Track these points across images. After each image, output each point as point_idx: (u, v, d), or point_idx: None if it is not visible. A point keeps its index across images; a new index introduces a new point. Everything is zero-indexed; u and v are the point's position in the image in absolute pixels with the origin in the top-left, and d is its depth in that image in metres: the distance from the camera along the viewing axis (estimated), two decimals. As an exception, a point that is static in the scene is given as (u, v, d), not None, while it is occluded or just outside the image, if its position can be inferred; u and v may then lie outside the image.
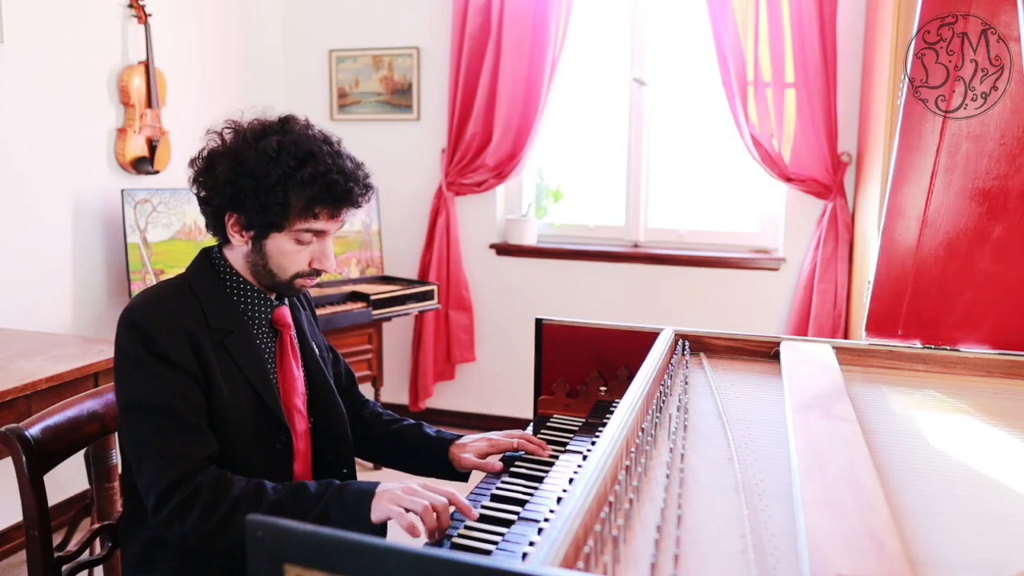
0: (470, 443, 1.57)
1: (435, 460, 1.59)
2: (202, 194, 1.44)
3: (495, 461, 1.53)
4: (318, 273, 1.47)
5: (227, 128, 1.44)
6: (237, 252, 1.46)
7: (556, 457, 1.55)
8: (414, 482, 1.32)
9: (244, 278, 1.47)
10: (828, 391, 1.36)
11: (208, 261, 1.49)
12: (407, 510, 1.27)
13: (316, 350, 1.59)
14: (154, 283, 1.68)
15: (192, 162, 1.46)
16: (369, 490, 1.30)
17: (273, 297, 1.51)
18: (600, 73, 3.96)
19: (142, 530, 1.44)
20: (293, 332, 1.54)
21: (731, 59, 3.49)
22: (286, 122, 1.45)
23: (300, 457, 1.51)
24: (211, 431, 1.37)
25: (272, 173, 1.36)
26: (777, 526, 0.98)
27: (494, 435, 1.58)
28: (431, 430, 1.64)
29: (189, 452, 1.32)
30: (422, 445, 1.62)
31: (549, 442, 1.63)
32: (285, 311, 1.52)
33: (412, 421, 1.68)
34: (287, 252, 1.43)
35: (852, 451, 1.10)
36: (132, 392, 1.36)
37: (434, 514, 1.26)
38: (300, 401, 1.52)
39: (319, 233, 1.44)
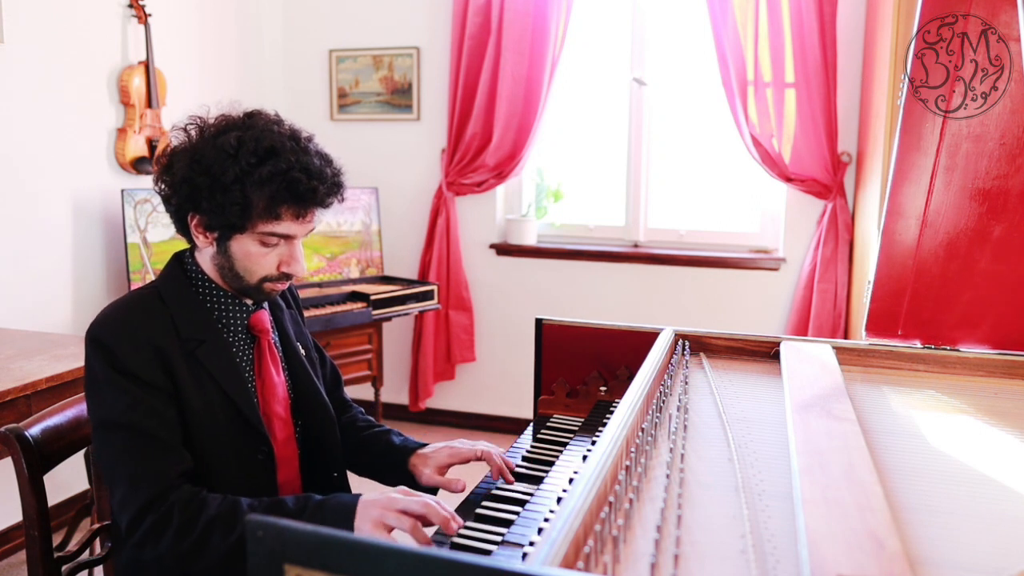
0: (432, 453, 1.50)
1: (396, 471, 1.53)
2: (164, 192, 1.39)
3: (457, 480, 1.45)
4: (288, 277, 1.41)
5: (191, 124, 1.38)
6: (206, 255, 1.41)
7: (556, 457, 1.55)
8: (394, 493, 1.28)
9: (216, 283, 1.42)
10: (828, 391, 1.36)
11: (180, 267, 1.43)
12: (393, 528, 1.24)
13: (302, 351, 1.54)
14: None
15: (156, 160, 1.41)
16: (351, 504, 1.26)
17: (249, 302, 1.45)
18: (600, 73, 3.96)
19: (125, 546, 1.39)
20: (273, 337, 1.48)
21: (731, 59, 3.49)
22: (251, 117, 1.38)
23: (286, 464, 1.46)
24: (186, 446, 1.32)
25: (229, 170, 1.30)
26: (777, 526, 0.98)
27: (460, 443, 1.51)
28: (397, 438, 1.57)
29: (161, 470, 1.27)
30: (385, 454, 1.55)
31: (549, 442, 1.63)
32: (263, 316, 1.46)
33: (383, 428, 1.62)
34: (252, 254, 1.37)
35: (852, 451, 1.10)
36: (101, 410, 1.31)
37: (421, 526, 1.23)
38: (281, 408, 1.46)
39: (285, 237, 1.37)
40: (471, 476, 1.54)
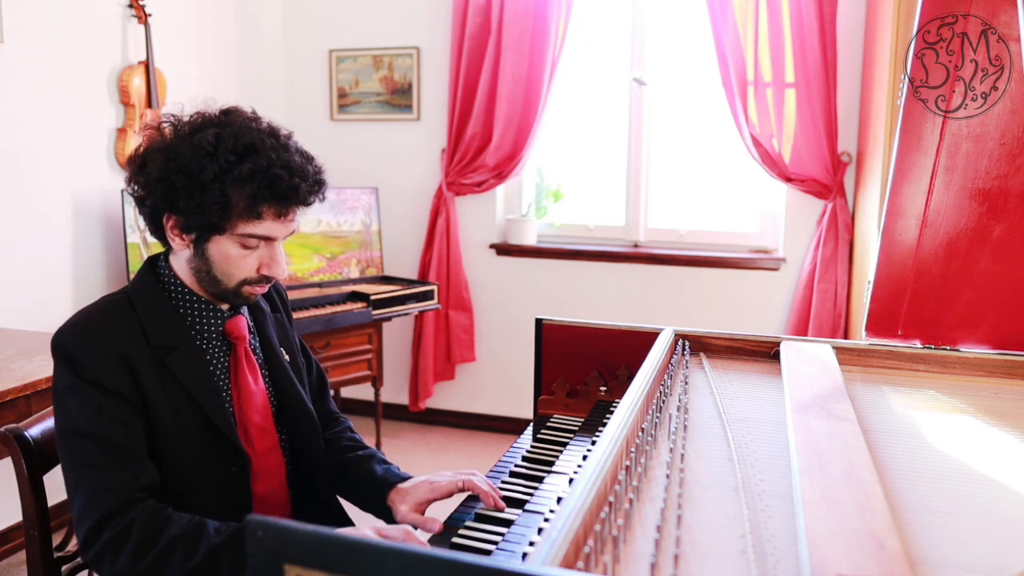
0: (411, 489, 1.41)
1: (375, 503, 1.46)
2: (137, 193, 1.33)
3: (434, 520, 1.35)
4: (268, 280, 1.36)
5: (165, 122, 1.34)
6: (181, 258, 1.36)
7: (556, 457, 1.55)
8: (365, 526, 1.26)
9: (190, 289, 1.37)
10: (828, 391, 1.36)
11: (153, 272, 1.38)
12: None
13: (285, 357, 1.49)
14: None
15: (130, 161, 1.36)
16: None
17: (225, 308, 1.40)
18: (600, 73, 3.96)
19: (83, 561, 1.35)
20: (252, 343, 1.44)
21: (731, 59, 3.49)
22: (228, 113, 1.33)
23: (269, 475, 1.42)
24: (156, 458, 1.28)
25: (208, 169, 1.25)
26: (777, 526, 0.98)
27: (441, 476, 1.41)
28: (379, 467, 1.49)
29: (124, 482, 1.22)
30: (365, 483, 1.48)
31: (549, 442, 1.63)
32: (239, 321, 1.41)
33: (367, 451, 1.55)
34: (231, 257, 1.31)
35: (852, 451, 1.10)
36: (65, 419, 1.26)
37: None
38: (260, 417, 1.41)
39: (266, 239, 1.32)
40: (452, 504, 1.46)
